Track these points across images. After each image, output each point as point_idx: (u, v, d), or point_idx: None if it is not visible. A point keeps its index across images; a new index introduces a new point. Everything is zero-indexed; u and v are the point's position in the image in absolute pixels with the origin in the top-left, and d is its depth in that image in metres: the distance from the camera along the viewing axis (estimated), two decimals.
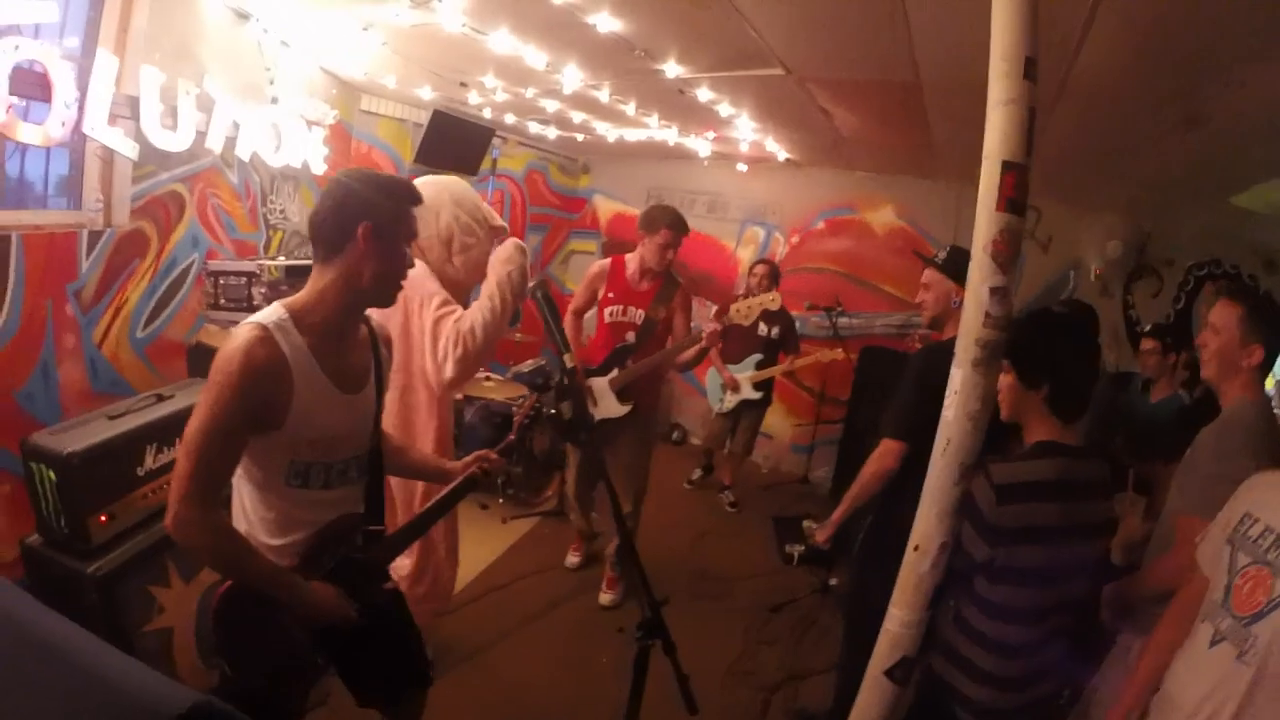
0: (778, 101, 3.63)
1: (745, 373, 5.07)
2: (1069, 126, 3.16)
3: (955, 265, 2.40)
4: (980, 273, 1.46)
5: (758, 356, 5.07)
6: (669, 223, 3.30)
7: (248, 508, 1.58)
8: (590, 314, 3.69)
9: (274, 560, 1.53)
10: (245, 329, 1.43)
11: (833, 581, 4.08)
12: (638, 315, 3.46)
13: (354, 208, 1.51)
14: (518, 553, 3.97)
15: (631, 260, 3.49)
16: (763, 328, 4.99)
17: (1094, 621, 2.03)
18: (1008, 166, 1.45)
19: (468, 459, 2.00)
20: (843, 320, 5.50)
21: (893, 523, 2.44)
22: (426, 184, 2.49)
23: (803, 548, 4.52)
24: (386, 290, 1.60)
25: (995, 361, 1.48)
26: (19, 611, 0.95)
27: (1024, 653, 1.74)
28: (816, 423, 5.94)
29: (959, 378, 1.48)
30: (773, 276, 5.01)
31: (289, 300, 1.54)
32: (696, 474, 5.67)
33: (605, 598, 3.71)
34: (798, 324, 5.33)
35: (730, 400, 5.08)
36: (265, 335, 1.43)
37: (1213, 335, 1.94)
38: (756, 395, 5.10)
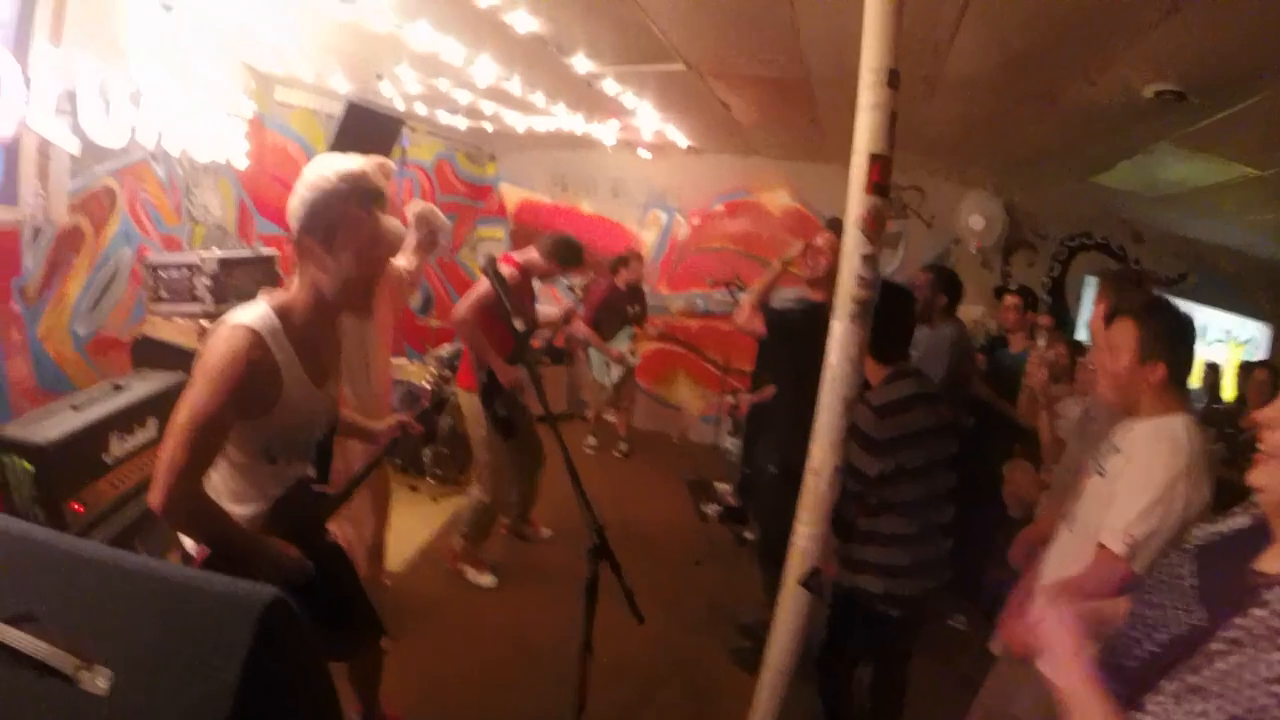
0: (680, 93, 3.93)
1: (624, 345, 5.83)
2: (948, 114, 3.62)
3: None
4: (853, 244, 1.80)
5: (630, 329, 5.90)
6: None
7: (216, 480, 1.69)
8: None
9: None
10: (240, 332, 1.54)
11: (747, 535, 4.47)
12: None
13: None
14: (453, 527, 4.13)
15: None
16: (628, 310, 5.83)
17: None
18: (874, 158, 1.79)
19: (390, 421, 2.21)
20: (742, 295, 5.90)
21: (790, 470, 2.86)
22: None
23: (718, 506, 4.91)
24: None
25: (868, 315, 1.82)
26: (87, 551, 1.08)
27: (912, 542, 2.18)
28: (723, 393, 6.33)
29: (839, 329, 1.82)
30: None
31: (277, 303, 1.63)
32: (591, 440, 6.16)
33: (486, 579, 3.73)
34: (701, 301, 6.41)
35: (617, 372, 5.81)
36: (259, 341, 1.56)
37: (1109, 356, 1.75)
38: (636, 360, 5.99)
